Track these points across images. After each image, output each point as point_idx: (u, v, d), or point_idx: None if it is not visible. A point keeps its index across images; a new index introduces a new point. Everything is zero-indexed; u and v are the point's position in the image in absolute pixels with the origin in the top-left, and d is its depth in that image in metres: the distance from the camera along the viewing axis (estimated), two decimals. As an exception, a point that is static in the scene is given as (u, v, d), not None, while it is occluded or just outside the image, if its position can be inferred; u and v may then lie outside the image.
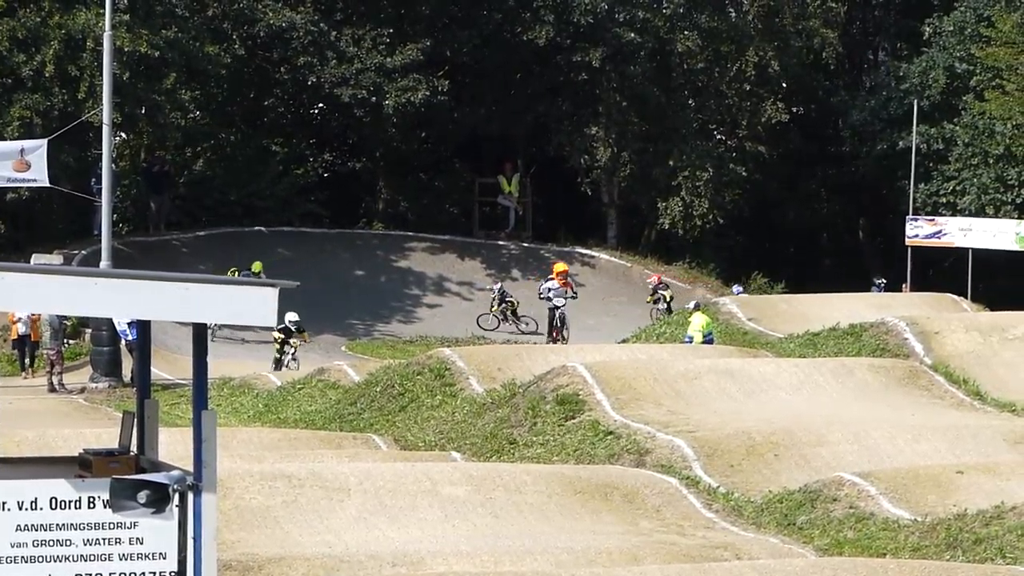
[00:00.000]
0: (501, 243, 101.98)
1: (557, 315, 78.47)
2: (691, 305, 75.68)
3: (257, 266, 77.62)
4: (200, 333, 23.05)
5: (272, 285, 27.44)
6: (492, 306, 76.49)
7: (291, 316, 70.95)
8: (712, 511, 44.47)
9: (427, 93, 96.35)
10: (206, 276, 21.77)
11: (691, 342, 69.14)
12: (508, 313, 79.41)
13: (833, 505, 44.69)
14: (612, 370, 57.36)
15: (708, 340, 69.46)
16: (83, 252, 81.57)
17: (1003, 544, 40.51)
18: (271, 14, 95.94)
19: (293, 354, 71.70)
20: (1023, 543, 40.57)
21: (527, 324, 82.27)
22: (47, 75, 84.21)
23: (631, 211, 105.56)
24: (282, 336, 69.91)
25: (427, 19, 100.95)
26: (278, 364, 70.80)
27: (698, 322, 70.32)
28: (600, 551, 39.33)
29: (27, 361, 72.02)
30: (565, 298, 79.89)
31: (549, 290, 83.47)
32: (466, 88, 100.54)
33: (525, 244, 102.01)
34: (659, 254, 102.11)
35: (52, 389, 64.20)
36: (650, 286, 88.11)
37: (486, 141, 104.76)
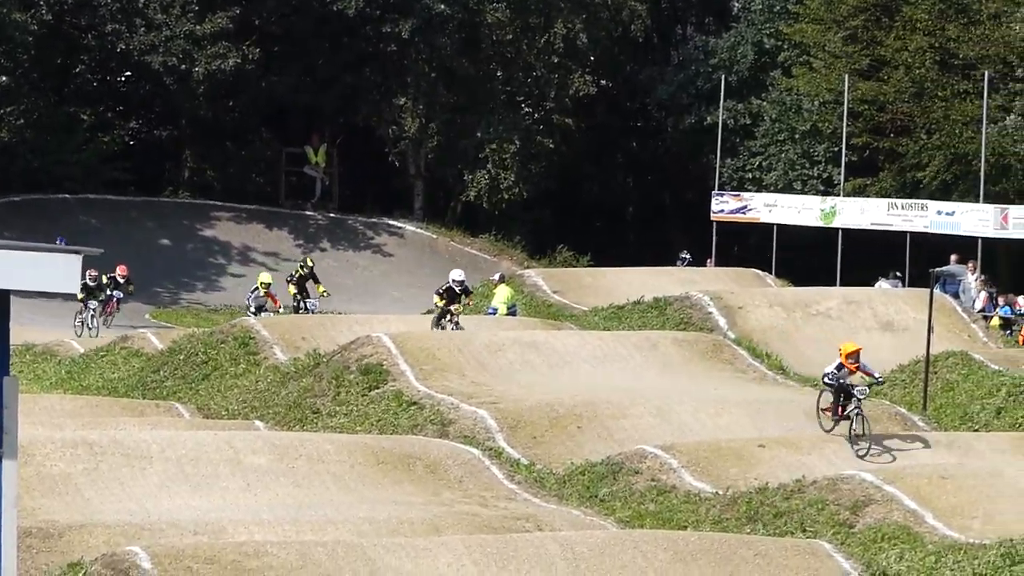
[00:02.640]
0: (308, 213, 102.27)
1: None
2: (496, 277, 75.72)
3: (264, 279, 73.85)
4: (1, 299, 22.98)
5: (76, 252, 27.48)
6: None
7: (455, 275, 65.85)
8: (515, 482, 44.68)
9: (237, 61, 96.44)
10: (9, 243, 21.61)
11: (495, 314, 69.28)
12: None
13: (635, 478, 44.98)
14: (416, 341, 57.53)
15: (512, 312, 69.61)
16: None
17: (803, 517, 40.96)
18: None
19: (456, 322, 64.94)
20: (823, 516, 41.00)
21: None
22: None
23: (438, 183, 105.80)
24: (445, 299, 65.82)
25: None
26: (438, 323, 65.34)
27: (502, 294, 70.45)
28: (402, 521, 39.47)
29: None
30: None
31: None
32: (275, 57, 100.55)
33: (332, 215, 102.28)
34: (465, 226, 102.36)
35: None
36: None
37: (294, 111, 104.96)
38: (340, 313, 72.03)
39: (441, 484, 43.46)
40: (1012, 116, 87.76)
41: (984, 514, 40.23)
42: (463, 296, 63.48)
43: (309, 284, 67.23)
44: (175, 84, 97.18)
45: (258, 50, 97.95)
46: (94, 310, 68.45)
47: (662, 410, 51.96)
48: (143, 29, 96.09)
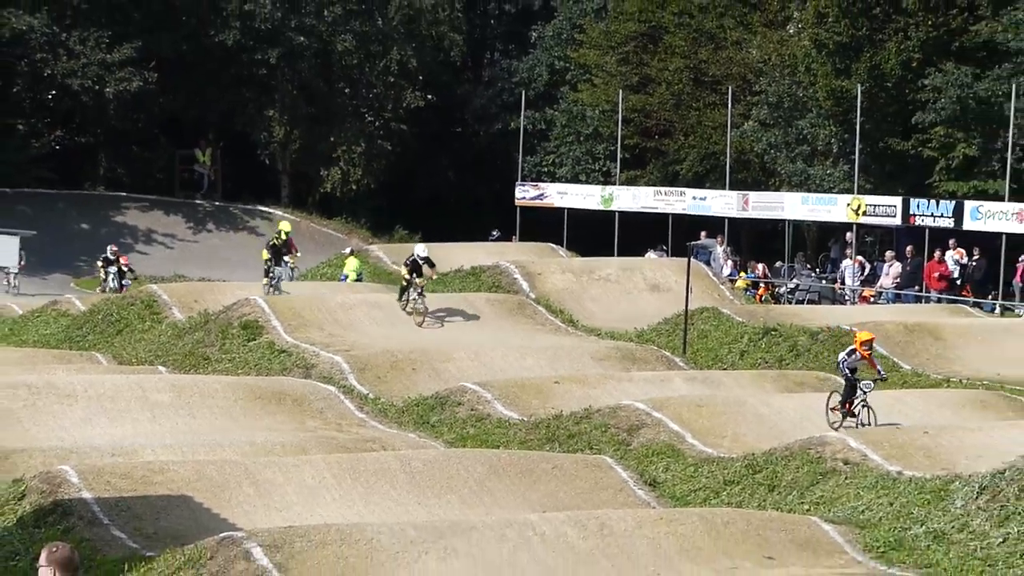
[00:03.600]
0: (197, 202, 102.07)
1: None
2: (347, 251, 75.83)
3: (285, 225, 70.75)
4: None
5: (14, 233, 27.42)
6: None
7: (420, 250, 62.06)
8: (364, 412, 44.94)
9: (140, 83, 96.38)
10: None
11: (346, 280, 69.36)
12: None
13: (458, 408, 45.22)
14: (284, 302, 57.87)
15: (359, 279, 69.65)
16: None
17: (590, 438, 41.25)
18: (13, 19, 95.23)
19: (420, 291, 61.10)
20: (606, 437, 41.24)
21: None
22: None
23: (301, 177, 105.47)
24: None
25: (138, 23, 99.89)
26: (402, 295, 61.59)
27: (352, 264, 70.54)
28: (276, 444, 39.63)
29: None
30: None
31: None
32: (170, 79, 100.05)
33: (216, 203, 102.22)
34: (322, 211, 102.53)
35: None
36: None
37: (186, 121, 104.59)
38: (224, 281, 71.87)
39: (306, 415, 43.61)
40: (750, 122, 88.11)
41: (731, 434, 40.53)
42: (427, 268, 61.10)
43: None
44: (91, 101, 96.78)
45: (156, 74, 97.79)
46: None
47: (479, 355, 52.19)
48: (65, 57, 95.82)
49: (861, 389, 38.93)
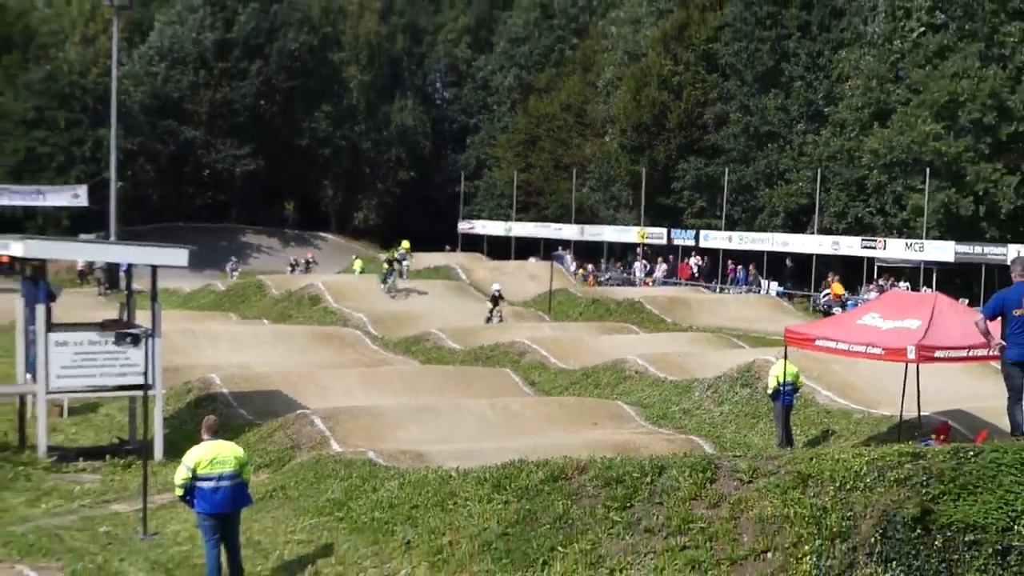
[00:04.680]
0: (286, 231, 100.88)
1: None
2: (354, 257, 74.63)
3: (405, 243, 64.36)
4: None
5: (185, 247, 27.17)
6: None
7: (401, 251, 61.56)
8: (376, 346, 44.56)
9: (253, 166, 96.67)
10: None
11: (354, 273, 68.10)
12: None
13: (427, 343, 45.00)
14: (332, 284, 57.52)
15: (363, 272, 68.22)
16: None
17: (499, 359, 41.32)
18: (186, 132, 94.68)
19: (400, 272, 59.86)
20: (507, 358, 41.12)
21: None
22: None
23: (341, 217, 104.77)
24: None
25: (252, 133, 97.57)
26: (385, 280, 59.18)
27: (358, 264, 68.94)
28: (328, 363, 39.46)
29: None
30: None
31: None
32: (270, 164, 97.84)
33: (296, 231, 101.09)
34: (353, 235, 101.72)
35: (99, 293, 62.19)
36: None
37: (278, 186, 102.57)
38: (298, 274, 71.35)
39: (344, 347, 43.26)
40: (585, 188, 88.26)
41: (576, 357, 40.42)
42: (406, 259, 61.43)
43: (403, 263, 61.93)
44: (227, 176, 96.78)
45: (263, 162, 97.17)
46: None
47: (441, 314, 51.98)
48: (213, 152, 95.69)
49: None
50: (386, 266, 60.04)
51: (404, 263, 61.39)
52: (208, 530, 17.31)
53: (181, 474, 17.33)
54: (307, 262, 74.84)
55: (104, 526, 20.81)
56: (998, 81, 60.80)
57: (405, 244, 63.64)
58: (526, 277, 64.21)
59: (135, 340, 24.08)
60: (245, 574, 17.61)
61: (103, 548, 19.35)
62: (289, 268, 76.75)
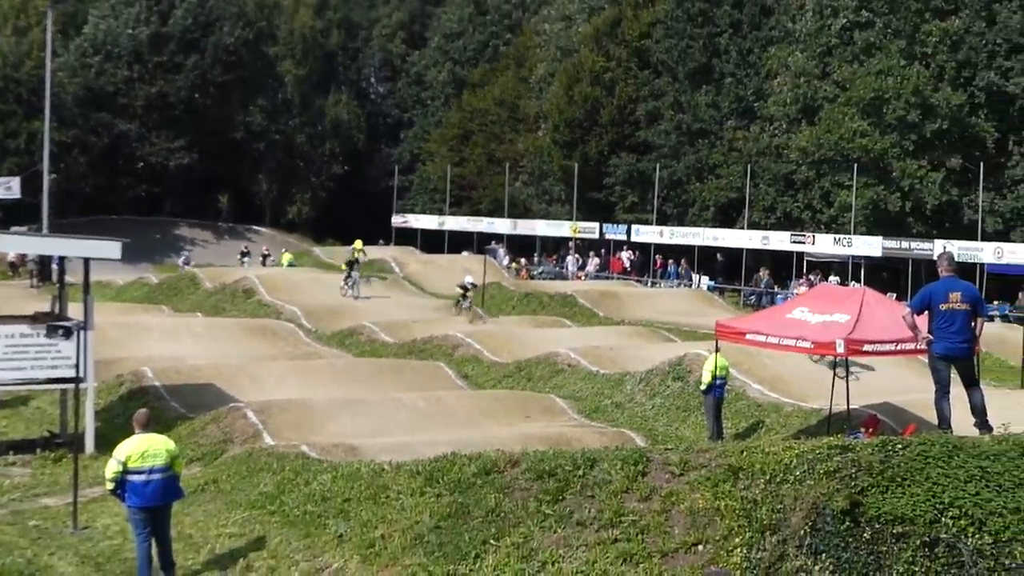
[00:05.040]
0: (219, 224, 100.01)
1: None
2: (283, 250, 74.11)
3: (358, 243, 62.24)
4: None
5: (118, 240, 26.87)
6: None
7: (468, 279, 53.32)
8: (310, 339, 44.40)
9: (188, 160, 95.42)
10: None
11: (282, 266, 67.93)
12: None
13: (360, 336, 44.95)
14: (269, 277, 57.22)
15: (291, 266, 67.99)
16: None
17: (432, 352, 41.23)
18: (121, 125, 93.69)
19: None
20: (440, 351, 41.05)
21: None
22: None
23: (275, 210, 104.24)
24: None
25: (187, 126, 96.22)
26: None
27: (286, 258, 69.07)
28: (261, 355, 39.12)
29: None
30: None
31: None
32: (204, 157, 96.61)
33: (230, 224, 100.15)
34: (287, 229, 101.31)
35: (32, 286, 61.20)
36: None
37: (213, 180, 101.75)
38: (233, 267, 70.77)
39: (277, 340, 43.03)
40: (518, 183, 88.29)
41: (509, 351, 40.41)
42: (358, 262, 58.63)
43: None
44: (161, 169, 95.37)
45: (197, 155, 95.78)
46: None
47: (375, 307, 51.95)
48: (148, 145, 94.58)
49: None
50: (345, 267, 58.32)
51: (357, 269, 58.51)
52: (139, 524, 17.14)
53: (112, 468, 17.16)
54: (263, 256, 73.23)
55: (34, 520, 20.57)
56: (921, 79, 61.29)
57: (358, 244, 62.47)
58: (460, 271, 64.06)
59: (67, 333, 23.83)
60: (176, 568, 17.43)
61: (32, 542, 19.13)
62: (239, 256, 76.07)
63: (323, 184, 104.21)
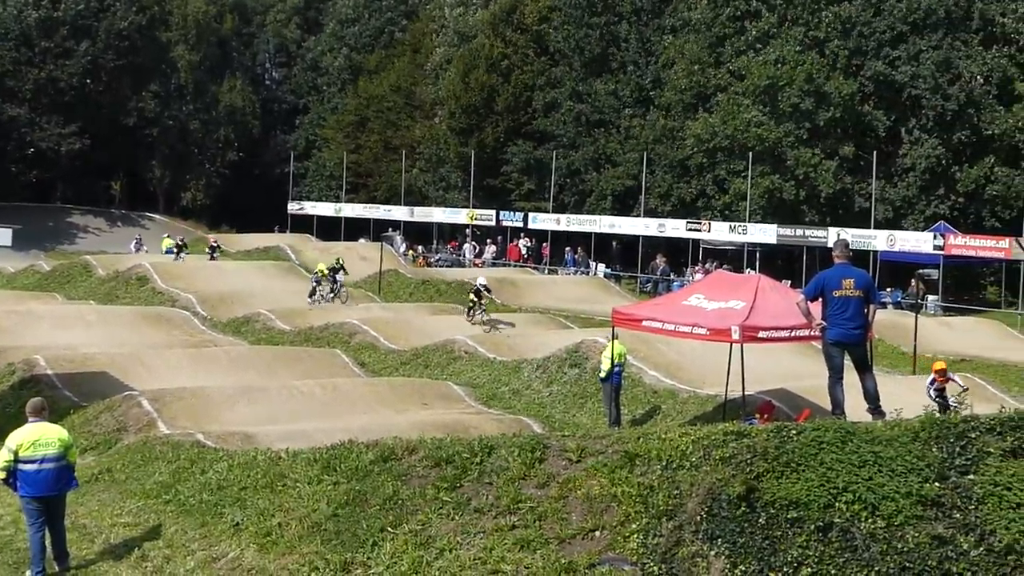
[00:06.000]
0: (112, 210, 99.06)
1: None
2: (165, 235, 73.30)
3: (322, 266, 55.05)
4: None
5: (8, 226, 26.43)
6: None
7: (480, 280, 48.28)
8: (204, 326, 44.17)
9: (79, 145, 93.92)
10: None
11: (167, 252, 66.63)
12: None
13: (256, 323, 44.77)
14: (160, 266, 56.74)
15: (170, 252, 66.93)
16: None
17: (329, 339, 41.17)
18: (10, 110, 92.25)
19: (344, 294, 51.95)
20: (337, 339, 40.89)
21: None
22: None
23: (169, 197, 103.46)
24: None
25: (79, 111, 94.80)
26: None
27: (166, 243, 67.00)
28: (155, 344, 38.82)
29: None
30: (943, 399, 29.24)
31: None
32: (97, 143, 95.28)
33: (123, 211, 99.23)
34: (182, 216, 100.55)
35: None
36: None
37: (106, 166, 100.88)
38: (126, 254, 69.98)
39: (172, 327, 42.75)
40: (415, 170, 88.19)
41: (406, 338, 40.50)
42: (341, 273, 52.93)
43: (340, 274, 54.39)
44: (53, 155, 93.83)
45: (89, 140, 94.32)
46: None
47: (271, 294, 51.64)
48: (38, 130, 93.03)
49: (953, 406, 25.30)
50: (325, 271, 53.14)
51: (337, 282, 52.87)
52: (32, 513, 16.90)
53: (3, 457, 16.89)
54: (213, 247, 69.34)
55: (-77, 511, 20.22)
56: (815, 67, 61.98)
57: (321, 267, 54.76)
58: (356, 258, 63.91)
59: None
60: (70, 558, 17.21)
61: (-79, 534, 18.80)
62: (134, 242, 75.03)
63: (218, 171, 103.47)
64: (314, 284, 52.20)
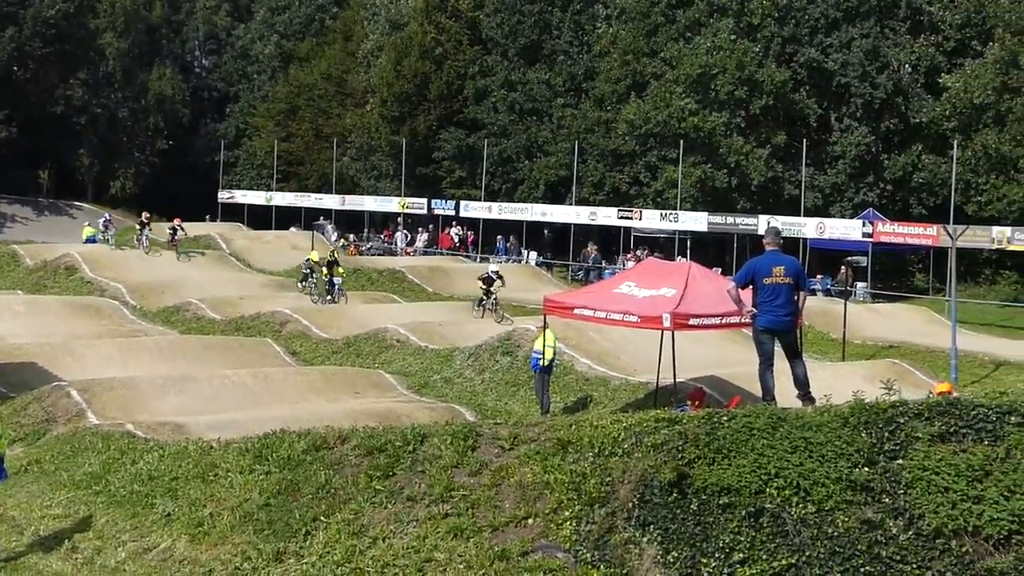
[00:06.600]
0: (40, 199, 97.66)
1: None
2: (86, 223, 71.33)
3: (314, 255, 53.37)
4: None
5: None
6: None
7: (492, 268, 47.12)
8: (134, 316, 43.83)
9: (7, 134, 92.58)
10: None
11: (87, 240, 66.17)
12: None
13: (187, 313, 44.70)
14: (91, 254, 56.14)
15: (92, 240, 65.80)
16: None
17: (260, 329, 40.92)
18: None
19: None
20: (268, 328, 40.80)
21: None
22: None
23: (98, 186, 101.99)
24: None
25: (6, 99, 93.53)
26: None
27: (87, 231, 66.01)
28: (85, 334, 38.57)
29: None
30: None
31: None
32: (25, 132, 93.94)
33: (51, 200, 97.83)
34: (112, 205, 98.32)
35: None
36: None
37: (35, 155, 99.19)
38: (55, 244, 69.35)
39: (101, 317, 42.47)
40: (346, 158, 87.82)
41: (338, 327, 40.44)
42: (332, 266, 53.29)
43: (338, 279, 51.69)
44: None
45: (16, 129, 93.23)
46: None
47: (200, 284, 51.34)
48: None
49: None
50: (316, 259, 52.02)
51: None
52: (-41, 507, 16.77)
53: (-70, 449, 16.75)
54: (174, 230, 67.03)
55: None
56: (748, 56, 62.28)
57: (313, 256, 53.47)
58: (287, 247, 63.78)
59: None
60: (-2, 551, 17.08)
61: None
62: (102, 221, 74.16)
63: (147, 159, 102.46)
64: (306, 272, 51.72)
